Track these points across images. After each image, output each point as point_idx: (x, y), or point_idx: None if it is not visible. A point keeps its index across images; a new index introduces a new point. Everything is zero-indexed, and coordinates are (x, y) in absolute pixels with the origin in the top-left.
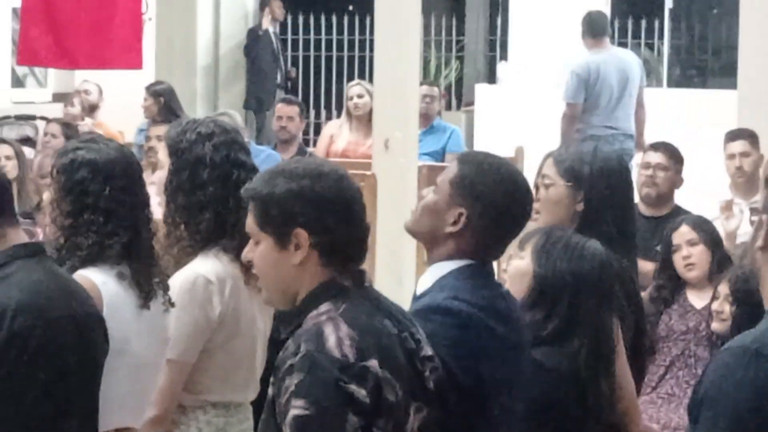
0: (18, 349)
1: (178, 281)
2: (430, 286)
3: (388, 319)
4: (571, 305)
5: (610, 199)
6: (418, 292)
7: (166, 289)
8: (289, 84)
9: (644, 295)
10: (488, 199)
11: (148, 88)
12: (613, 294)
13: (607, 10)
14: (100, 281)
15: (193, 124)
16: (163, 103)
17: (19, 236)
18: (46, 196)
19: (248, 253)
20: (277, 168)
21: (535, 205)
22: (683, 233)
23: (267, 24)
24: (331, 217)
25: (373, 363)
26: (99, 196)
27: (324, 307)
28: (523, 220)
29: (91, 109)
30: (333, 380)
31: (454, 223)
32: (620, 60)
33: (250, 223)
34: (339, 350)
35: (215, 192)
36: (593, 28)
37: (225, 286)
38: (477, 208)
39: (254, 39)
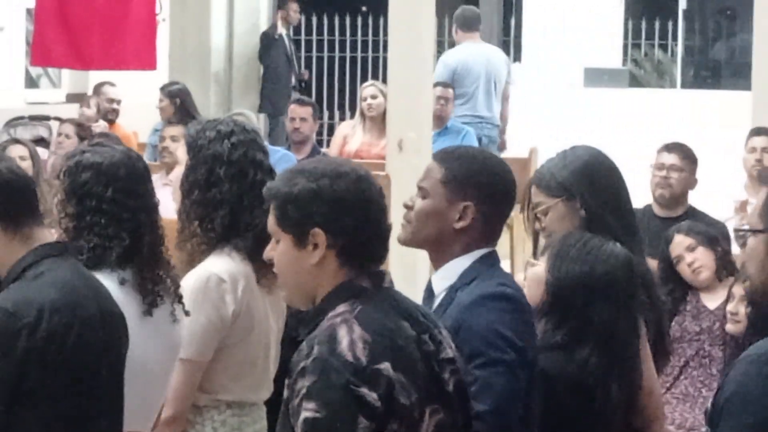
0: (56, 347)
1: (191, 280)
2: (456, 281)
3: (406, 320)
4: (584, 310)
5: (601, 194)
6: (436, 291)
7: (177, 297)
8: (303, 86)
9: None
10: (486, 185)
11: (163, 89)
12: (635, 296)
13: (620, 11)
14: None
15: (213, 122)
16: (179, 104)
17: (44, 236)
18: (55, 198)
19: (269, 251)
20: (298, 167)
21: (546, 228)
22: (679, 242)
23: (281, 28)
24: (349, 217)
25: (386, 366)
26: (101, 199)
27: (341, 308)
28: (514, 193)
29: (110, 113)
30: (344, 383)
31: (461, 218)
32: (487, 54)
33: (271, 222)
34: (351, 353)
35: (231, 190)
36: (464, 23)
37: (238, 285)
38: (479, 196)
39: (268, 43)
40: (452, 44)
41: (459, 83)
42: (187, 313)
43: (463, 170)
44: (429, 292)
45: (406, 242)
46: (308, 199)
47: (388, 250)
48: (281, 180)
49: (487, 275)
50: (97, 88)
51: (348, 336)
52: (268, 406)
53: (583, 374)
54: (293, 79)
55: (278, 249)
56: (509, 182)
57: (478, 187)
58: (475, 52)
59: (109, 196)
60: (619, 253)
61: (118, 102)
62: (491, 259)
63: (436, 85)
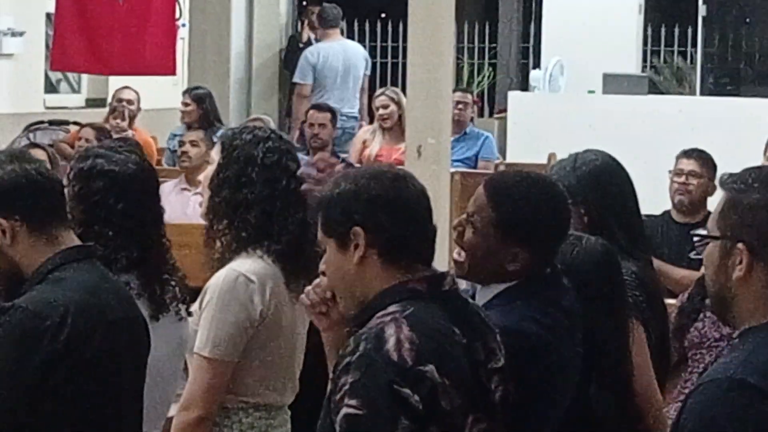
0: (80, 349)
1: (219, 280)
2: (489, 300)
3: (458, 326)
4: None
5: (605, 200)
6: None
7: (182, 300)
8: None
9: (675, 302)
10: (539, 232)
11: (189, 93)
12: (617, 293)
13: (639, 18)
14: None
15: (250, 127)
16: (205, 109)
17: (71, 239)
18: None
19: (322, 265)
20: (343, 174)
21: None
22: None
23: (306, 34)
24: (386, 214)
25: (431, 368)
26: (112, 211)
27: (392, 308)
28: (569, 220)
29: (131, 119)
30: (387, 383)
31: (513, 260)
32: (346, 50)
33: (319, 230)
34: (397, 353)
35: (262, 192)
36: (325, 20)
37: (266, 286)
38: (531, 240)
39: (294, 50)
40: (471, 49)
41: (318, 78)
42: (189, 314)
43: (516, 214)
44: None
45: (463, 278)
46: (347, 199)
47: (434, 251)
48: (326, 188)
49: (515, 305)
50: (121, 96)
51: (395, 335)
52: (291, 409)
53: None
54: None
55: (326, 258)
56: (562, 220)
57: (531, 234)
58: (335, 48)
59: (120, 208)
60: (595, 247)
61: (137, 106)
62: (532, 287)
63: (454, 90)
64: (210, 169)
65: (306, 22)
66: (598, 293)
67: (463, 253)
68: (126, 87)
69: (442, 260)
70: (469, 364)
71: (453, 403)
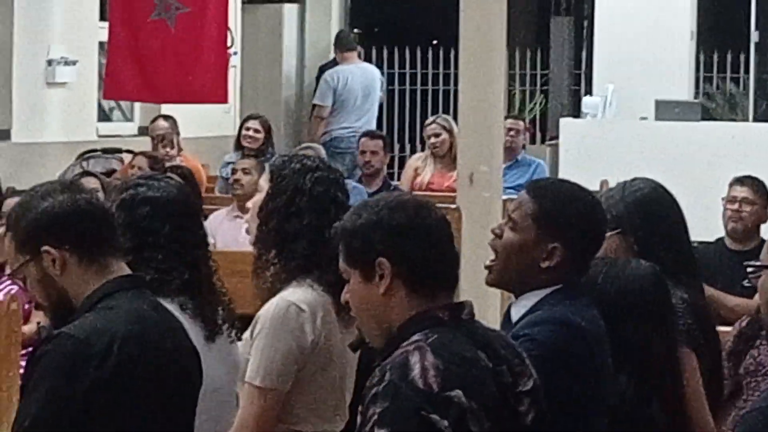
0: (124, 378)
1: (271, 309)
2: (530, 308)
3: (483, 351)
4: (616, 332)
5: (654, 228)
6: (513, 319)
7: (232, 323)
8: None
9: (730, 329)
10: (576, 228)
11: (258, 119)
12: (668, 316)
13: (692, 44)
14: None
15: (299, 156)
16: (269, 138)
17: (121, 268)
18: None
19: (345, 294)
20: (361, 203)
21: None
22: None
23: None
24: (410, 244)
25: (458, 393)
26: (159, 234)
27: (415, 336)
28: (605, 229)
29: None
30: (415, 410)
31: (548, 257)
32: (365, 72)
33: (341, 261)
34: (423, 380)
35: (311, 222)
36: (342, 44)
37: (317, 315)
38: (568, 238)
39: None
40: (522, 76)
41: (338, 100)
42: (239, 338)
43: (556, 209)
44: (507, 319)
45: (494, 284)
46: (369, 230)
47: (457, 277)
48: (345, 218)
49: (559, 304)
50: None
51: (420, 363)
52: None
53: (622, 401)
54: None
55: (349, 287)
56: (600, 222)
57: (569, 228)
58: (354, 71)
59: (166, 232)
60: (645, 270)
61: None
62: (572, 291)
63: (506, 116)
64: (258, 197)
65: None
66: (650, 315)
67: (493, 258)
68: (156, 118)
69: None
70: (497, 388)
71: (483, 426)
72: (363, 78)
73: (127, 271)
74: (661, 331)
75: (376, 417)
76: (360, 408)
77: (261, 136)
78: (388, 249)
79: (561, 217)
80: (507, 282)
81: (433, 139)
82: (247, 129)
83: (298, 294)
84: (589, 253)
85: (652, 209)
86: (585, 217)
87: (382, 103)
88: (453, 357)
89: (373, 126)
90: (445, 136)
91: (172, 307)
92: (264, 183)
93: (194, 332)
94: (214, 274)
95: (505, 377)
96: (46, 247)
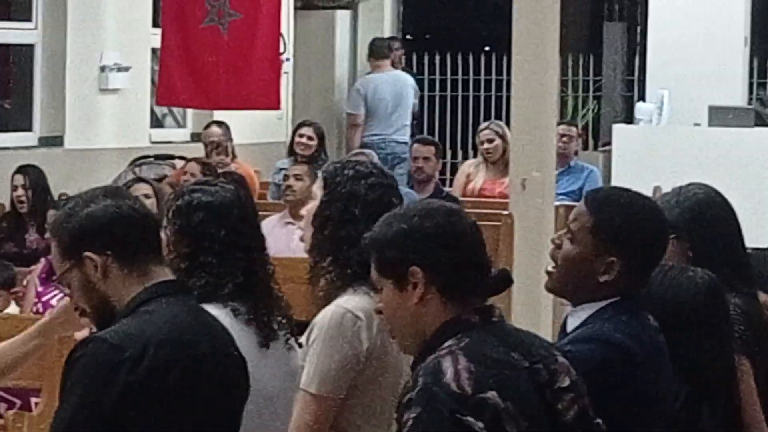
0: (158, 383)
1: (327, 316)
2: (583, 321)
3: (516, 351)
4: (670, 340)
5: (709, 234)
6: (568, 330)
7: (290, 329)
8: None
9: None
10: (636, 242)
11: (311, 126)
12: (723, 325)
13: (745, 50)
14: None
15: (353, 162)
16: (323, 144)
17: (163, 273)
18: (162, 237)
19: (378, 303)
20: (391, 213)
21: None
22: None
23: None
24: (442, 251)
25: (492, 395)
26: (215, 239)
27: (448, 342)
28: (667, 242)
29: (233, 155)
30: (450, 413)
31: (606, 272)
32: (395, 79)
33: (373, 271)
34: (456, 383)
35: (366, 229)
36: (374, 52)
37: (373, 323)
38: (626, 253)
39: None
40: (575, 82)
41: (370, 107)
42: (299, 345)
43: (614, 223)
44: (563, 329)
45: (552, 290)
46: (401, 239)
47: (487, 284)
48: (376, 228)
49: (611, 319)
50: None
51: (452, 366)
52: None
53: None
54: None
55: (382, 297)
56: (660, 234)
57: (627, 243)
58: (384, 79)
59: (222, 236)
60: (701, 279)
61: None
62: (627, 306)
63: (559, 123)
64: (312, 205)
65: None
66: (703, 324)
67: (553, 265)
68: (210, 124)
69: (546, 294)
70: (534, 387)
71: (520, 427)
72: (393, 86)
73: (169, 276)
74: (715, 340)
75: (411, 422)
76: (396, 415)
77: (314, 143)
78: (421, 257)
79: (619, 232)
80: (565, 291)
81: (486, 145)
82: (301, 136)
83: (354, 301)
84: (648, 267)
85: (707, 215)
86: (644, 231)
87: (427, 109)
88: (485, 359)
89: (407, 133)
90: (498, 141)
91: (224, 312)
92: (317, 190)
93: (247, 338)
94: (271, 278)
95: (541, 375)
96: (88, 253)
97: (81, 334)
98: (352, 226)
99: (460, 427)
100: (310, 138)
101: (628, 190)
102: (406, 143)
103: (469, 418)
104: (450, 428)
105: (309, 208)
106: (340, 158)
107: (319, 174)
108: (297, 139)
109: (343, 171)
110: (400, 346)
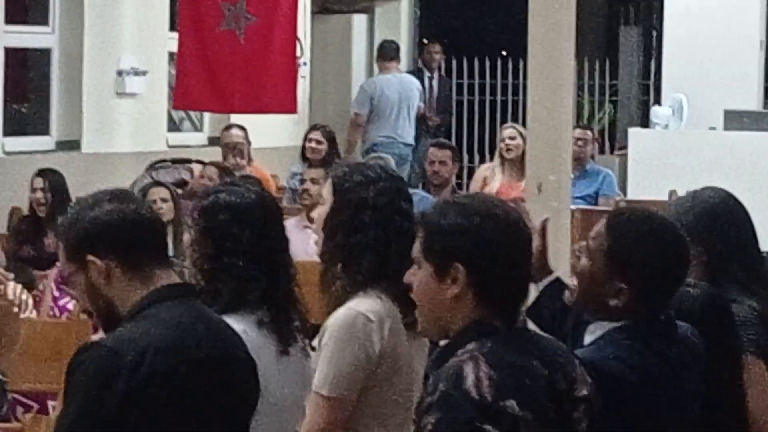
0: (159, 389)
1: (339, 319)
2: (596, 337)
3: (537, 359)
4: None
5: (723, 238)
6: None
7: (306, 333)
8: (433, 128)
9: None
10: (649, 272)
11: (321, 130)
12: (727, 339)
13: (761, 54)
14: (240, 330)
15: (361, 166)
16: (333, 148)
17: (169, 277)
18: (186, 238)
19: (410, 275)
20: (454, 200)
21: None
22: None
23: (426, 71)
24: (493, 258)
25: (512, 403)
26: (239, 240)
27: (470, 346)
28: (686, 271)
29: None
30: (469, 420)
31: (615, 296)
32: (402, 81)
33: (416, 247)
34: (476, 390)
35: (376, 235)
36: (382, 54)
37: (384, 325)
38: (638, 281)
39: None
40: (591, 86)
41: (376, 108)
42: (313, 349)
43: (629, 251)
44: (580, 337)
45: (574, 306)
46: (455, 233)
47: (526, 296)
48: (435, 209)
49: (614, 344)
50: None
51: (474, 373)
52: None
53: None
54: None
55: (418, 275)
56: (678, 266)
57: (639, 273)
58: (391, 80)
59: (246, 237)
60: (698, 296)
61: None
62: (636, 330)
63: (575, 127)
64: (322, 210)
65: (423, 59)
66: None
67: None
68: (230, 126)
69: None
70: (552, 396)
71: None
72: (400, 87)
73: (175, 280)
74: (722, 359)
75: (430, 427)
76: (414, 417)
77: (323, 146)
78: (470, 258)
79: (632, 261)
80: (583, 309)
81: (507, 141)
82: (310, 140)
83: (365, 304)
84: (665, 294)
85: (721, 219)
86: (659, 263)
87: (451, 113)
88: (507, 367)
89: (412, 135)
90: (519, 141)
91: (250, 323)
92: (326, 195)
93: (266, 348)
94: (293, 280)
95: (560, 384)
96: (91, 257)
97: (97, 337)
98: (362, 232)
99: None
100: (318, 142)
101: (654, 217)
102: (411, 145)
103: (488, 426)
104: None
105: (319, 213)
106: (349, 160)
107: (329, 178)
108: (306, 143)
109: (351, 176)
110: (421, 326)
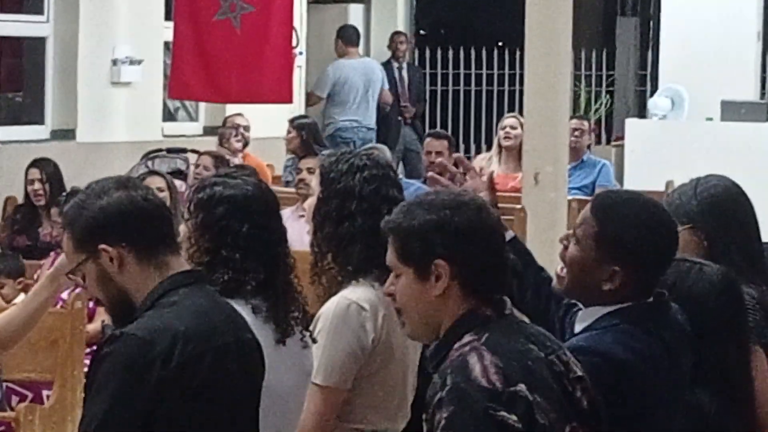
0: (190, 375)
1: (332, 308)
2: (589, 324)
3: (532, 343)
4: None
5: (726, 226)
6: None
7: (305, 325)
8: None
9: None
10: (640, 251)
11: (291, 121)
12: (741, 320)
13: (758, 45)
14: None
15: (347, 155)
16: (305, 138)
17: (180, 264)
18: (183, 230)
19: (389, 287)
20: (416, 200)
21: None
22: None
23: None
24: (472, 247)
25: (522, 387)
26: (238, 234)
27: (467, 338)
28: (675, 247)
29: (244, 146)
30: (483, 410)
31: (608, 279)
32: (365, 66)
33: (390, 256)
34: (486, 379)
35: (364, 224)
36: (345, 38)
37: (378, 314)
38: (630, 261)
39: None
40: (588, 77)
41: (340, 93)
42: (314, 341)
43: (618, 232)
44: (569, 326)
45: (565, 294)
46: (430, 230)
47: (508, 278)
48: (399, 213)
49: (612, 328)
50: (231, 120)
51: (479, 363)
52: None
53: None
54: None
55: (400, 283)
56: (666, 247)
57: (630, 253)
58: (355, 65)
59: (245, 231)
60: (715, 275)
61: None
62: (631, 314)
63: (571, 117)
64: (312, 200)
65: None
66: (720, 321)
67: (562, 266)
68: (239, 114)
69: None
70: (553, 377)
71: (549, 417)
72: (364, 72)
73: (186, 266)
74: (736, 340)
75: (443, 422)
76: (424, 416)
77: (292, 136)
78: (449, 251)
79: (622, 242)
80: (575, 295)
81: (508, 129)
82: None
83: (358, 292)
84: (655, 275)
85: (724, 207)
86: (649, 242)
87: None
88: (509, 353)
89: (373, 118)
90: (520, 131)
91: (244, 309)
92: (315, 185)
93: (264, 336)
94: (291, 272)
95: (557, 365)
96: (103, 246)
97: (92, 327)
98: (350, 222)
99: (495, 422)
100: (288, 132)
101: (637, 196)
102: (373, 129)
103: (503, 413)
104: (485, 424)
105: (309, 203)
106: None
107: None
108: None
109: (337, 166)
110: (410, 332)
